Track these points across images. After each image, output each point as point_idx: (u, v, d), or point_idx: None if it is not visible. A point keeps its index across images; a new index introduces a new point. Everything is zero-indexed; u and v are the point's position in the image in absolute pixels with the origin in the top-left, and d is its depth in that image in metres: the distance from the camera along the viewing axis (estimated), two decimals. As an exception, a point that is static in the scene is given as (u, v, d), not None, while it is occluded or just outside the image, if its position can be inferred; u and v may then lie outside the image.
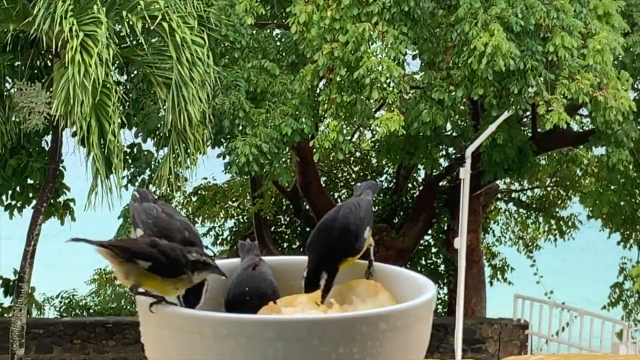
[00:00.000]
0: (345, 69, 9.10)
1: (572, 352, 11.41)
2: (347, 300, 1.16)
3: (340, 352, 1.01)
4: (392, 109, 9.48)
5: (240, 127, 9.49)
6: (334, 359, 1.02)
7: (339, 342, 1.01)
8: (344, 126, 9.67)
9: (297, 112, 9.44)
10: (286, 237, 15.36)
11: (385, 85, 9.25)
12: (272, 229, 15.06)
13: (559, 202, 15.88)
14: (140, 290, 1.11)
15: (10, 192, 10.89)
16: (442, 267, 14.74)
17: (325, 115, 9.74)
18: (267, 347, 1.00)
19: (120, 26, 9.04)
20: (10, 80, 9.99)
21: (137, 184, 10.57)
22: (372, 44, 9.02)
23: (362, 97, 9.24)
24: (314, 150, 9.53)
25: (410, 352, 1.05)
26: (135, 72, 10.28)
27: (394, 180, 14.75)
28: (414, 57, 10.04)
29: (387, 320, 1.03)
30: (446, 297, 14.41)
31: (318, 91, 9.85)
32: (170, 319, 1.06)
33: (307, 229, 14.16)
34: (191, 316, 1.05)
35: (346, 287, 1.18)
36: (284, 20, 9.88)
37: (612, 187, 13.35)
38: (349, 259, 1.19)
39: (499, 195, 15.82)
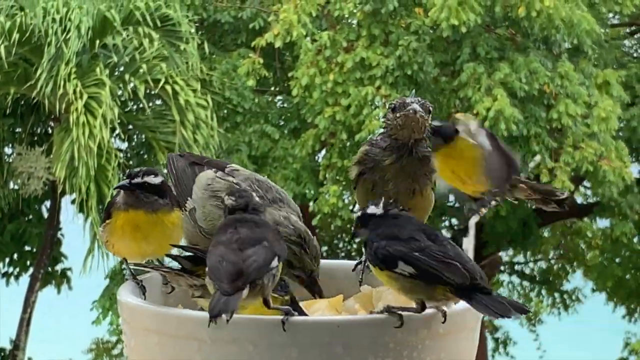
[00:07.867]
0: (347, 134, 9.00)
1: None
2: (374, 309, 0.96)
3: (370, 363, 0.83)
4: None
5: (241, 191, 9.38)
6: (361, 371, 0.83)
7: (367, 350, 0.81)
8: (345, 192, 9.57)
9: (298, 177, 9.31)
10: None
11: None
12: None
13: (563, 274, 15.67)
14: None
15: (7, 259, 10.74)
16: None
17: (326, 181, 9.62)
18: (278, 355, 0.80)
19: (122, 90, 8.98)
20: (9, 145, 9.90)
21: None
22: (374, 107, 8.93)
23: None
24: (314, 215, 9.38)
25: (453, 367, 0.87)
26: (136, 137, 10.21)
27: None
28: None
29: (428, 325, 0.84)
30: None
31: (320, 156, 9.75)
32: (157, 321, 0.86)
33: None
34: (183, 317, 0.85)
35: (373, 294, 0.99)
36: (286, 86, 9.83)
37: (617, 260, 13.19)
38: None
39: (502, 268, 15.62)
